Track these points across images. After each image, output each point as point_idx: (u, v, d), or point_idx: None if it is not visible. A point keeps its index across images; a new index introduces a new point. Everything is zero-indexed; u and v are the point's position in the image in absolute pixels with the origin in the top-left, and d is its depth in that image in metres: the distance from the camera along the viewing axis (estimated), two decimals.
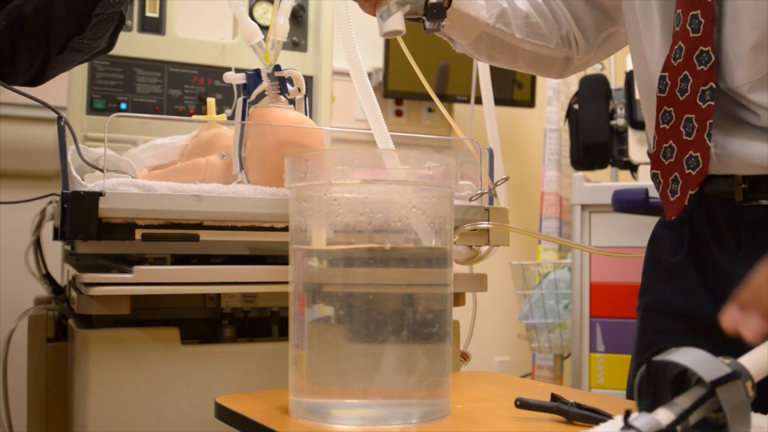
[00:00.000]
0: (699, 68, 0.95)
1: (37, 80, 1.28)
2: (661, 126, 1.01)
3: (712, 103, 0.94)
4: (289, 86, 1.14)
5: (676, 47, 0.98)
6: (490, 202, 1.16)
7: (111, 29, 1.25)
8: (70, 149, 1.00)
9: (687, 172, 0.98)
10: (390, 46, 2.80)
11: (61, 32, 1.21)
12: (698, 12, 0.95)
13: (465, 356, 1.23)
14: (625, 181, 2.72)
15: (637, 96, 2.47)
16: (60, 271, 1.66)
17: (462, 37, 1.18)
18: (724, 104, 0.96)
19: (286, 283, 0.84)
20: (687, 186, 0.98)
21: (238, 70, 1.17)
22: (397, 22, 1.06)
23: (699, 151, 0.96)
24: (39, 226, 1.54)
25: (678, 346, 1.02)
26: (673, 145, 1.00)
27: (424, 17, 1.12)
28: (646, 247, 1.11)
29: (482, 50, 1.20)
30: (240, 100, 1.14)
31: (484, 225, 1.11)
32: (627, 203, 2.12)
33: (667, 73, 0.99)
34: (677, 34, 0.98)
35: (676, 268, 1.03)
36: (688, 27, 0.96)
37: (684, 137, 0.98)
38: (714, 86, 0.94)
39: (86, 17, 1.19)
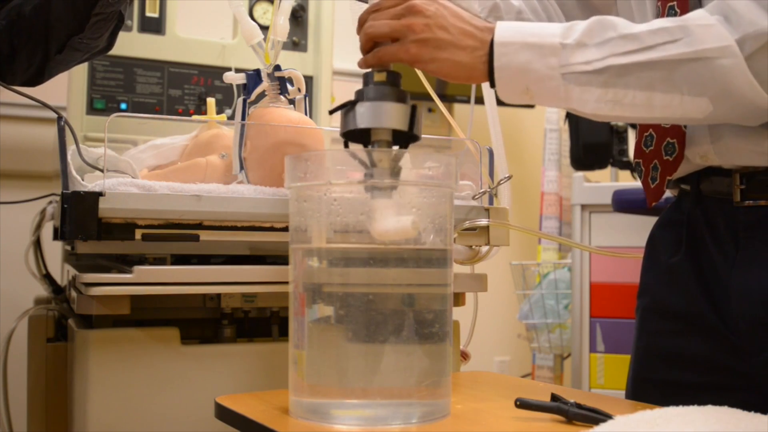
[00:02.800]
0: None
1: (36, 80, 1.28)
2: None
3: None
4: (289, 86, 1.13)
5: None
6: (491, 202, 1.16)
7: (110, 29, 1.25)
8: (70, 149, 1.00)
9: (665, 158, 1.00)
10: None
11: (61, 31, 1.21)
12: (674, 3, 0.97)
13: (465, 356, 1.23)
14: (625, 181, 2.72)
15: None
16: (60, 271, 1.66)
17: None
18: None
19: (286, 283, 0.84)
20: (665, 172, 1.00)
21: (238, 70, 1.17)
22: None
23: (675, 137, 0.99)
24: (39, 226, 1.54)
25: (675, 347, 1.03)
26: (652, 133, 1.03)
27: None
28: (645, 247, 1.12)
29: None
30: (240, 100, 1.14)
31: (483, 222, 1.11)
32: (627, 203, 2.12)
33: None
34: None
35: (674, 269, 1.03)
36: (666, 17, 0.97)
37: (662, 125, 1.01)
38: None
39: (85, 16, 1.19)
